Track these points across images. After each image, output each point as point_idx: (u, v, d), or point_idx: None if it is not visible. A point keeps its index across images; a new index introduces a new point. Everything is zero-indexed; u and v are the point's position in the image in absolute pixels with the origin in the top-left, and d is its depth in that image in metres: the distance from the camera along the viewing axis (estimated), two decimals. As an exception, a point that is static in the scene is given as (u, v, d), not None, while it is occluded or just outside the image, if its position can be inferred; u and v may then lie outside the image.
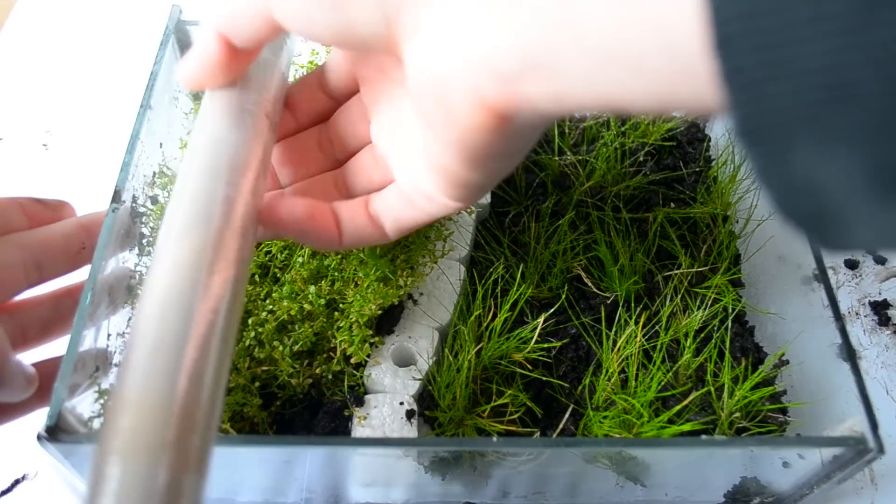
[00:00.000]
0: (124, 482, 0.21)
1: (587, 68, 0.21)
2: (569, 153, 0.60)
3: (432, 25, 0.24)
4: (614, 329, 0.50)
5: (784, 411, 0.49)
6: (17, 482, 0.46)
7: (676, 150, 0.63)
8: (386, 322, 0.49)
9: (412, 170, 0.32)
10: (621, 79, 0.21)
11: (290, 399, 0.46)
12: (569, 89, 0.22)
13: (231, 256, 0.27)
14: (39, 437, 0.37)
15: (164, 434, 0.22)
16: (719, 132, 0.64)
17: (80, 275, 0.43)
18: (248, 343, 0.44)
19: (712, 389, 0.48)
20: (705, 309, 0.51)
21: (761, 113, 0.17)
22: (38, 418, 0.38)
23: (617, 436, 0.45)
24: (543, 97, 0.23)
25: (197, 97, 0.61)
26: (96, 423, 0.40)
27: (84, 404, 0.40)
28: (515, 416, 0.46)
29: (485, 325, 0.48)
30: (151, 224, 0.50)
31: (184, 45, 0.58)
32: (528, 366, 0.48)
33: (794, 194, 0.18)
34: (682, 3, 0.18)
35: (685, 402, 0.46)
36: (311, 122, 0.42)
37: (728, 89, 0.17)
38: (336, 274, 0.48)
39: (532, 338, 0.48)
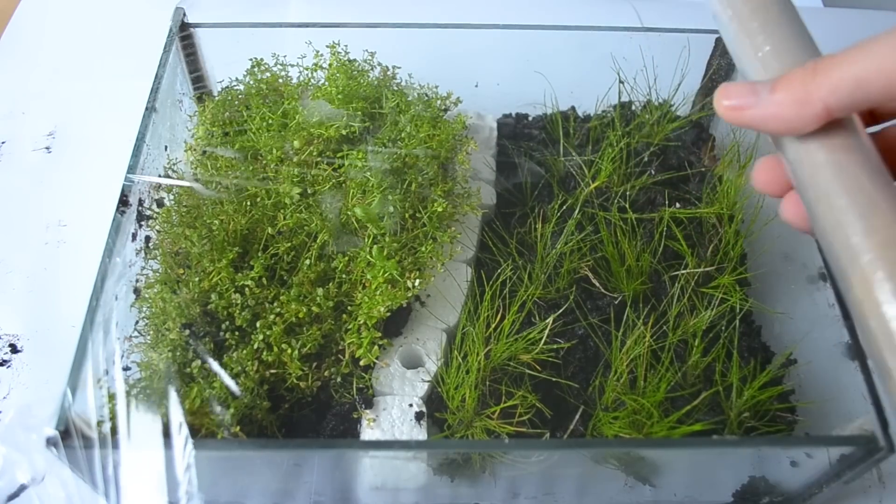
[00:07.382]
0: None
1: None
2: (574, 154, 0.60)
3: None
4: (622, 329, 0.50)
5: (792, 410, 0.49)
6: (23, 487, 0.46)
7: (681, 150, 0.63)
8: (393, 324, 0.49)
9: None
10: None
11: (298, 402, 0.46)
12: None
13: None
14: (48, 442, 0.37)
15: None
16: (724, 132, 0.64)
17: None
18: (256, 346, 0.44)
19: (721, 389, 0.48)
20: (712, 309, 0.51)
21: None
22: (46, 422, 0.37)
23: (627, 436, 0.45)
24: None
25: (200, 99, 0.61)
26: (105, 427, 0.39)
27: (92, 408, 0.40)
28: (525, 417, 0.45)
29: (493, 326, 0.48)
30: (157, 227, 0.50)
31: (188, 47, 0.58)
32: (537, 367, 0.48)
33: None
34: None
35: (695, 403, 0.46)
36: None
37: None
38: (343, 276, 0.48)
39: (541, 339, 0.48)
